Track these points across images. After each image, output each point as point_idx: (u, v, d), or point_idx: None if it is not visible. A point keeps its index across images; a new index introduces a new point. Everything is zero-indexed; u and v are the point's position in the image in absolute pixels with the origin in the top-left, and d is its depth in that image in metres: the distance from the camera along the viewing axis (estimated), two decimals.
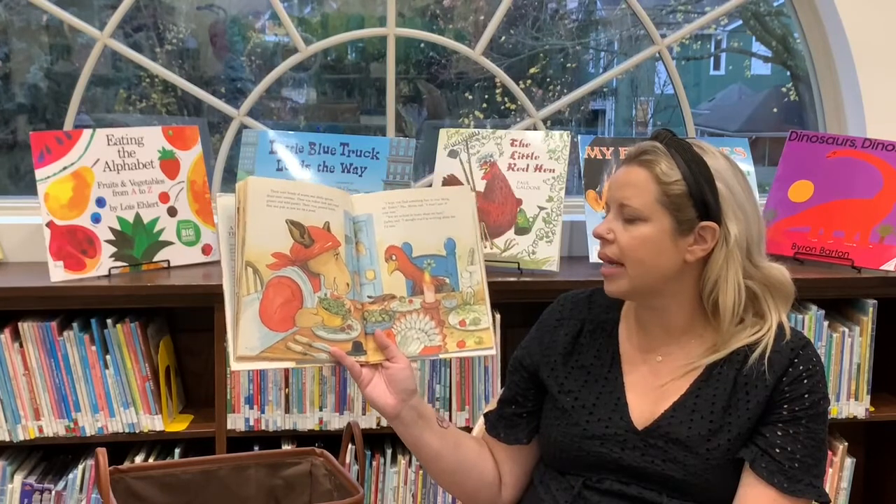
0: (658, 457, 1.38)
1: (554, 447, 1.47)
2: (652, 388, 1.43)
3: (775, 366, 1.37)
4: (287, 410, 2.17)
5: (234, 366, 1.33)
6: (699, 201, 1.35)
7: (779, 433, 1.35)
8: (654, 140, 1.39)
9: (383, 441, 2.30)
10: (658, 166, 1.36)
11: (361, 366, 1.40)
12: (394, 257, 1.45)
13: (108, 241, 2.15)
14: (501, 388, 1.61)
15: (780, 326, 1.41)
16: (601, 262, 1.44)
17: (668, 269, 1.38)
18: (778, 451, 1.34)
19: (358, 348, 1.40)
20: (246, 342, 1.33)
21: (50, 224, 2.08)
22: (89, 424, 2.11)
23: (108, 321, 2.09)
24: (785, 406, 1.36)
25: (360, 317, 1.41)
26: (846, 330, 2.27)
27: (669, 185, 1.35)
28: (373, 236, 1.45)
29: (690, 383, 1.41)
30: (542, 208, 2.23)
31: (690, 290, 1.40)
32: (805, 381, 1.36)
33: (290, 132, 2.37)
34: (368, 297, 1.43)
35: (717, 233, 1.36)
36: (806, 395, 1.36)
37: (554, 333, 1.51)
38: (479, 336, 1.48)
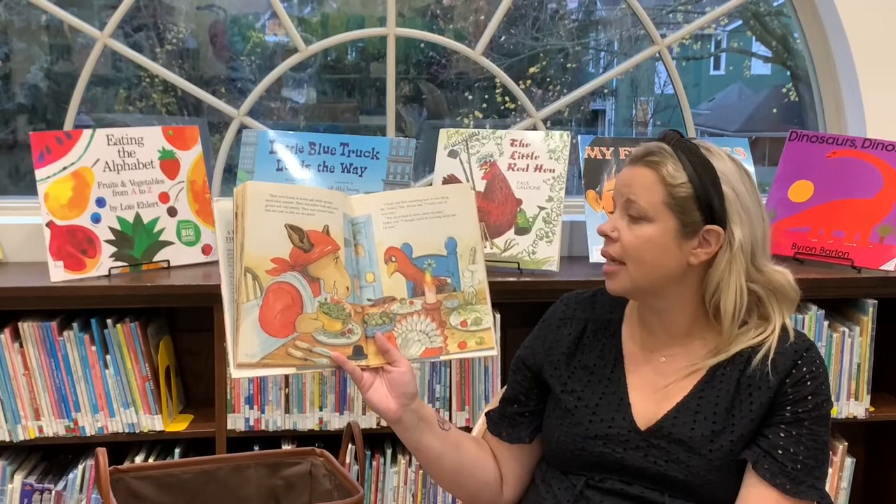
0: (661, 457, 1.38)
1: (556, 447, 1.46)
2: (655, 388, 1.43)
3: (779, 367, 1.37)
4: (287, 410, 2.17)
5: (235, 373, 1.32)
6: (705, 205, 1.35)
7: (782, 435, 1.35)
8: (661, 141, 1.39)
9: (383, 441, 2.30)
10: (664, 168, 1.35)
11: (362, 370, 1.39)
12: (393, 259, 1.45)
13: (108, 241, 2.15)
14: (501, 388, 1.61)
15: (784, 329, 1.40)
16: (603, 261, 1.44)
17: (670, 270, 1.37)
18: (781, 452, 1.34)
19: (359, 352, 1.40)
20: (246, 349, 1.32)
21: (50, 224, 2.08)
22: (89, 424, 2.11)
23: (108, 321, 2.09)
24: (788, 408, 1.36)
25: (360, 320, 1.41)
26: (846, 330, 2.27)
27: (676, 187, 1.35)
28: (372, 238, 1.44)
29: (694, 384, 1.41)
30: (542, 208, 2.23)
31: (693, 293, 1.40)
32: (809, 383, 1.36)
33: (290, 132, 2.37)
34: (368, 299, 1.42)
35: (721, 237, 1.36)
36: (809, 397, 1.36)
37: (557, 333, 1.51)
38: (480, 336, 1.47)
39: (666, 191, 1.35)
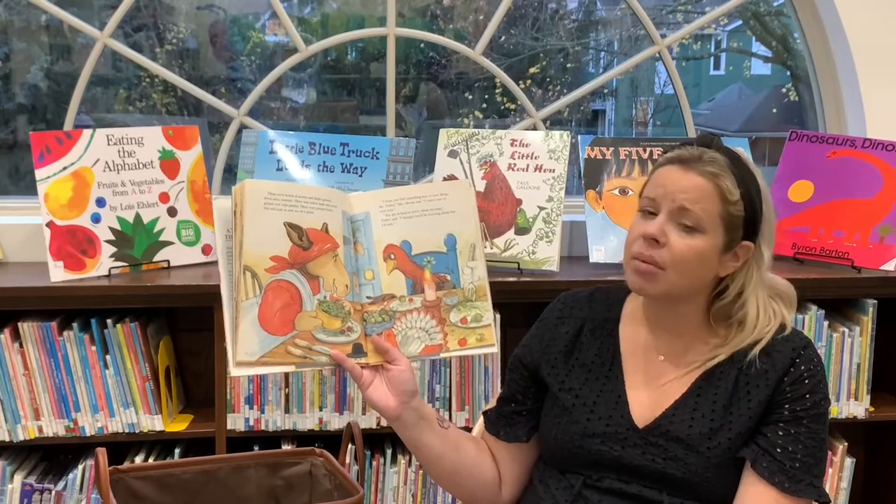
0: (659, 455, 1.38)
1: (554, 445, 1.46)
2: (653, 386, 1.43)
3: (777, 365, 1.37)
4: (287, 410, 2.17)
5: (234, 371, 1.32)
6: (750, 223, 1.36)
7: (780, 433, 1.35)
8: (707, 147, 1.37)
9: (383, 441, 2.30)
10: (724, 182, 1.34)
11: (362, 367, 1.39)
12: (392, 256, 1.44)
13: (108, 241, 2.15)
14: (501, 388, 1.60)
15: (782, 324, 1.41)
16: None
17: (705, 281, 1.38)
18: (779, 450, 1.34)
19: (358, 350, 1.40)
20: (245, 347, 1.32)
21: (50, 224, 2.08)
22: (89, 424, 2.11)
23: (108, 321, 2.09)
24: (786, 406, 1.36)
25: (359, 318, 1.41)
26: (846, 330, 2.27)
27: (733, 204, 1.34)
28: (371, 236, 1.44)
29: (692, 382, 1.41)
30: (542, 208, 2.23)
31: (706, 297, 1.41)
32: (806, 381, 1.37)
33: (290, 132, 2.37)
34: (368, 297, 1.42)
35: (750, 251, 1.37)
36: (807, 396, 1.36)
37: (555, 331, 1.51)
38: (480, 333, 1.47)
39: (723, 206, 1.34)
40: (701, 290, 1.39)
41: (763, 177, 1.41)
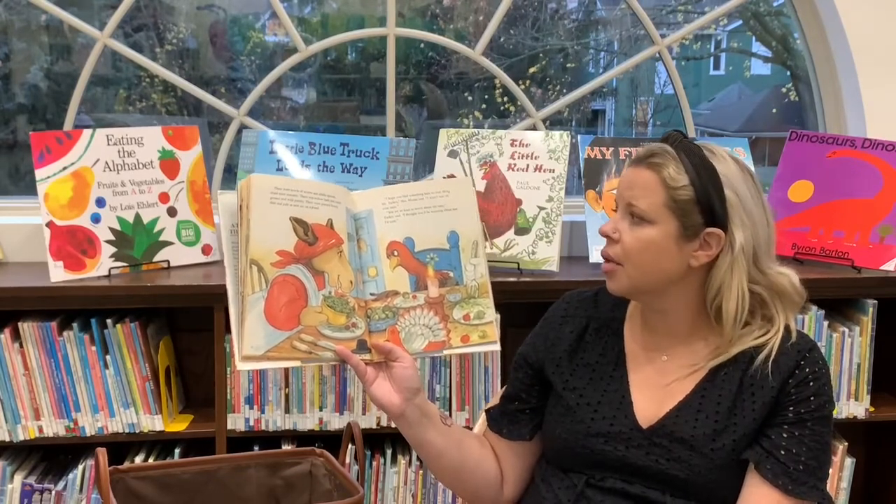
0: (662, 456, 1.38)
1: (558, 444, 1.47)
2: (657, 387, 1.43)
3: (781, 368, 1.37)
4: (287, 410, 2.17)
5: (240, 366, 1.33)
6: (706, 208, 1.34)
7: (784, 435, 1.35)
8: (664, 142, 1.38)
9: (383, 441, 2.30)
10: (666, 170, 1.35)
11: (366, 364, 1.40)
12: (396, 253, 1.45)
13: (108, 242, 2.15)
14: (501, 387, 1.61)
15: (787, 329, 1.40)
16: (600, 262, 1.44)
17: (670, 272, 1.37)
18: (783, 452, 1.34)
19: (362, 346, 1.40)
20: (251, 341, 1.33)
21: (50, 224, 2.08)
22: (89, 424, 2.11)
23: (108, 321, 2.09)
24: (791, 408, 1.36)
25: (364, 314, 1.41)
26: (846, 330, 2.27)
27: (677, 190, 1.34)
28: (374, 233, 1.45)
29: (696, 383, 1.41)
30: (541, 208, 2.23)
31: (694, 293, 1.40)
32: (811, 383, 1.36)
33: (290, 132, 2.37)
34: (371, 294, 1.43)
35: (722, 239, 1.36)
36: (812, 398, 1.36)
37: (559, 330, 1.52)
38: (483, 330, 1.47)
39: (667, 193, 1.35)
40: (673, 282, 1.38)
41: (743, 167, 1.38)
